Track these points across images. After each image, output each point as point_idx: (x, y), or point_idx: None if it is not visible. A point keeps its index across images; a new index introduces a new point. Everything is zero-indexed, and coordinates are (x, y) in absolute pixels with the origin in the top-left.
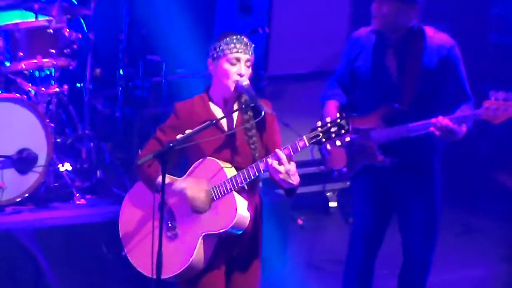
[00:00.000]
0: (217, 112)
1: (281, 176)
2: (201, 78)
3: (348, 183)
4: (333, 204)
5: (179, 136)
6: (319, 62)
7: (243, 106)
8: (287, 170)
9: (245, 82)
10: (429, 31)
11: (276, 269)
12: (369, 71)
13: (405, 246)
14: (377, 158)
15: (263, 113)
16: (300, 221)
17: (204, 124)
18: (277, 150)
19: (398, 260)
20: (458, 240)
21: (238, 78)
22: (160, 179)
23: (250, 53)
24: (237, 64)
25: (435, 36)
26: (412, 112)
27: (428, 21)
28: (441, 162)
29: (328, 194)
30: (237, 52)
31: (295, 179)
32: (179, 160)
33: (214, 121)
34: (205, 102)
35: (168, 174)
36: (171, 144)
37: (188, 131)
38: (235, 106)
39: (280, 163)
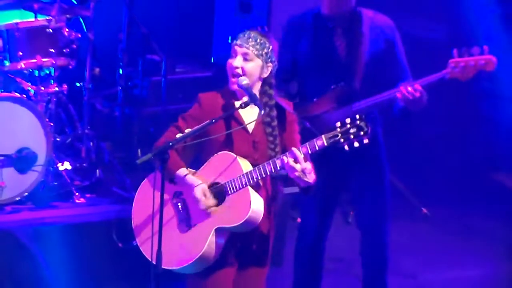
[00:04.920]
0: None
1: (296, 174)
2: (200, 77)
3: None
4: None
5: (178, 135)
6: None
7: (242, 105)
8: (303, 168)
9: (244, 81)
10: (368, 12)
11: (274, 267)
12: (316, 53)
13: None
14: None
15: (262, 112)
16: (299, 220)
17: (204, 123)
18: (293, 148)
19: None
20: (457, 240)
21: (234, 71)
22: (179, 171)
23: (250, 47)
24: (236, 57)
25: (376, 17)
26: (362, 90)
27: (425, 21)
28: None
29: None
30: (236, 44)
31: (311, 178)
32: (195, 153)
33: (213, 120)
34: (229, 97)
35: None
36: (170, 143)
37: (187, 130)
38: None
39: (297, 161)
